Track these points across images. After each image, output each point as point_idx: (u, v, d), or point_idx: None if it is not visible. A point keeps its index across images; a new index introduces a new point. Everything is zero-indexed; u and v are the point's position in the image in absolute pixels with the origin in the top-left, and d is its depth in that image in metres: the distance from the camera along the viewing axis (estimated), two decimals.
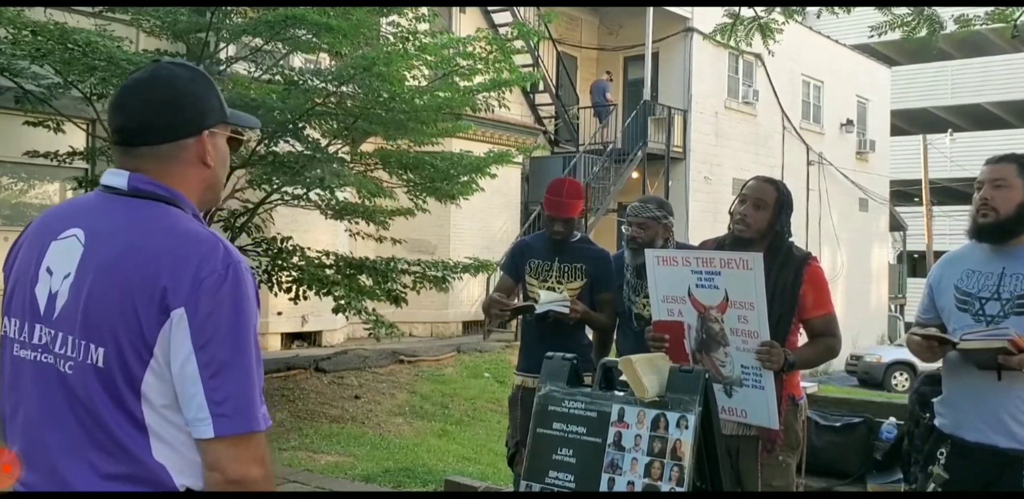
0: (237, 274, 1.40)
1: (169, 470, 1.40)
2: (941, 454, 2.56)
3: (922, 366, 10.41)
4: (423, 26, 7.43)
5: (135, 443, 1.39)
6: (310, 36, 6.75)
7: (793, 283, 2.88)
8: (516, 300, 3.83)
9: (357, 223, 8.14)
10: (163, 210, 1.47)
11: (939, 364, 2.67)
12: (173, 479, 1.40)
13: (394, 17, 7.49)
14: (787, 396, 2.90)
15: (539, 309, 3.61)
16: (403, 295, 7.67)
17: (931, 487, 2.56)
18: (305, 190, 7.30)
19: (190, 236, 1.43)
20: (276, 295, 8.09)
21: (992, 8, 5.45)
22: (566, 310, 3.58)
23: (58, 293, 1.44)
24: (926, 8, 5.28)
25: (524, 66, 10.86)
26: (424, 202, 8.25)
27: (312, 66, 7.55)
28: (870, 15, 5.80)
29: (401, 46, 6.93)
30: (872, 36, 5.63)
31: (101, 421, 1.39)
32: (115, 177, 1.49)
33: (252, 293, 1.43)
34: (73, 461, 1.41)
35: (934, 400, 2.70)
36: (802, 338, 3.03)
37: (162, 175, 1.49)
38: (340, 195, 7.83)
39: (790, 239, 3.01)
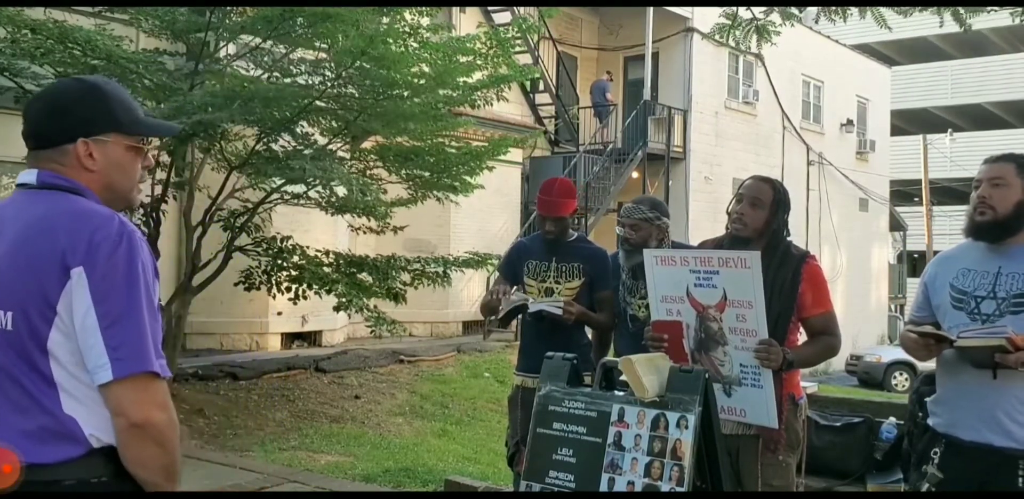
0: (130, 240, 1.58)
1: (79, 422, 1.54)
2: (935, 453, 2.56)
3: (922, 366, 10.40)
4: (425, 20, 7.41)
5: (46, 398, 1.54)
6: (309, 31, 6.73)
7: (791, 281, 2.88)
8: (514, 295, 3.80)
9: (358, 216, 8.12)
10: (66, 196, 1.66)
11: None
12: (83, 430, 1.54)
13: (398, 14, 7.48)
14: (787, 396, 2.89)
15: (532, 308, 3.61)
16: (403, 292, 7.66)
17: (925, 487, 2.55)
18: (306, 187, 7.30)
19: (86, 212, 1.62)
20: (275, 297, 8.08)
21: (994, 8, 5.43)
22: (558, 311, 3.58)
23: None
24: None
25: (523, 63, 10.83)
26: (424, 198, 8.23)
27: (310, 67, 7.54)
28: (870, 26, 5.79)
29: (403, 42, 6.93)
30: (903, 15, 5.57)
31: (16, 380, 1.55)
32: (27, 175, 1.70)
33: (145, 257, 1.60)
34: None
35: (927, 399, 2.70)
36: (802, 338, 3.03)
37: (59, 172, 1.69)
38: (340, 190, 7.82)
39: (788, 238, 3.01)
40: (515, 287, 3.75)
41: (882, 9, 5.52)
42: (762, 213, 2.94)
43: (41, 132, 1.70)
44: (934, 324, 2.61)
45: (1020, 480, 2.39)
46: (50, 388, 1.54)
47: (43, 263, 1.55)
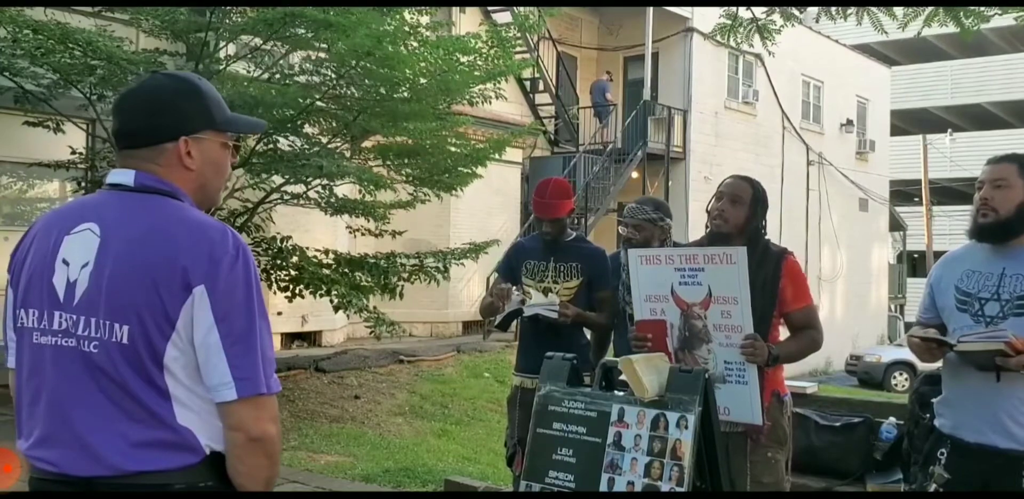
0: (246, 255, 1.58)
1: (195, 432, 1.55)
2: (941, 454, 2.57)
3: (922, 366, 10.41)
4: (425, 19, 7.41)
5: (162, 409, 1.54)
6: (309, 35, 6.73)
7: (772, 277, 2.92)
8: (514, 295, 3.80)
9: (357, 216, 8.11)
10: (169, 202, 1.62)
11: (939, 364, 2.68)
12: (199, 440, 1.55)
13: (398, 15, 7.48)
14: (772, 392, 2.94)
15: (527, 312, 3.61)
16: (399, 287, 7.65)
17: (932, 487, 2.56)
18: (305, 187, 7.28)
19: (200, 223, 1.59)
20: (275, 293, 8.07)
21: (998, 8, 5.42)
22: (554, 315, 3.58)
23: (77, 281, 1.57)
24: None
25: (522, 58, 10.82)
26: (424, 196, 8.23)
27: (311, 66, 7.55)
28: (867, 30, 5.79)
29: (404, 42, 6.93)
30: (900, 28, 5.57)
31: (130, 392, 1.53)
32: (122, 175, 1.64)
33: (255, 268, 1.61)
34: (104, 433, 1.53)
35: (933, 401, 2.71)
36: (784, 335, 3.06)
37: (156, 174, 1.64)
38: (339, 191, 7.81)
39: (766, 237, 3.05)
40: (514, 287, 3.75)
41: (882, 11, 5.51)
42: (742, 210, 2.99)
43: (137, 130, 1.64)
44: (940, 326, 2.62)
45: None
46: (165, 400, 1.54)
47: (163, 280, 1.51)
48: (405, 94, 6.97)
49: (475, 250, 8.16)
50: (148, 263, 1.52)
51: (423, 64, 7.17)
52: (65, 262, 1.58)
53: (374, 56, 6.36)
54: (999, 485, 2.43)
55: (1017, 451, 2.41)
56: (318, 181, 6.87)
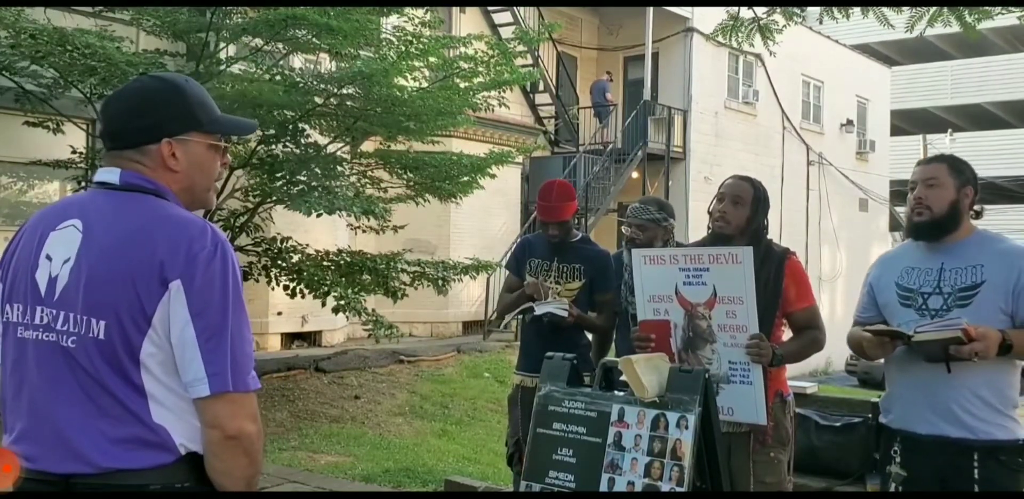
0: (224, 250, 1.58)
1: (169, 431, 1.55)
2: (895, 452, 2.61)
3: None
4: (427, 32, 7.43)
5: (137, 406, 1.53)
6: (311, 37, 6.74)
7: (775, 277, 2.93)
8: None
9: (357, 218, 8.11)
10: (153, 200, 1.63)
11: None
12: (174, 439, 1.55)
13: (398, 21, 7.47)
14: (775, 393, 2.95)
15: (538, 311, 3.62)
16: (402, 289, 7.65)
17: (892, 487, 2.59)
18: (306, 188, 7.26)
19: (180, 219, 1.60)
20: (273, 289, 8.05)
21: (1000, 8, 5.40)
22: (564, 313, 3.59)
23: (58, 277, 1.57)
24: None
25: (524, 66, 10.84)
26: (425, 200, 8.23)
27: (312, 66, 7.54)
28: (870, 23, 5.78)
29: (405, 49, 6.93)
30: (907, 31, 5.55)
31: (106, 388, 1.53)
32: (108, 174, 1.66)
33: (235, 264, 1.60)
34: (82, 429, 1.53)
35: (875, 400, 2.75)
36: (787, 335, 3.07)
37: (142, 173, 1.66)
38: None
39: (768, 237, 3.06)
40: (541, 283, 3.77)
41: (887, 10, 5.50)
42: (743, 211, 2.99)
43: (122, 132, 1.66)
44: (882, 323, 2.66)
45: (976, 472, 2.44)
46: (140, 397, 1.54)
47: (141, 274, 1.52)
48: (405, 110, 6.97)
49: (476, 268, 8.16)
50: (127, 259, 1.53)
51: (423, 70, 7.17)
52: (48, 258, 1.60)
53: (373, 80, 6.39)
54: (954, 475, 2.47)
55: (969, 440, 2.46)
56: (321, 208, 6.88)
